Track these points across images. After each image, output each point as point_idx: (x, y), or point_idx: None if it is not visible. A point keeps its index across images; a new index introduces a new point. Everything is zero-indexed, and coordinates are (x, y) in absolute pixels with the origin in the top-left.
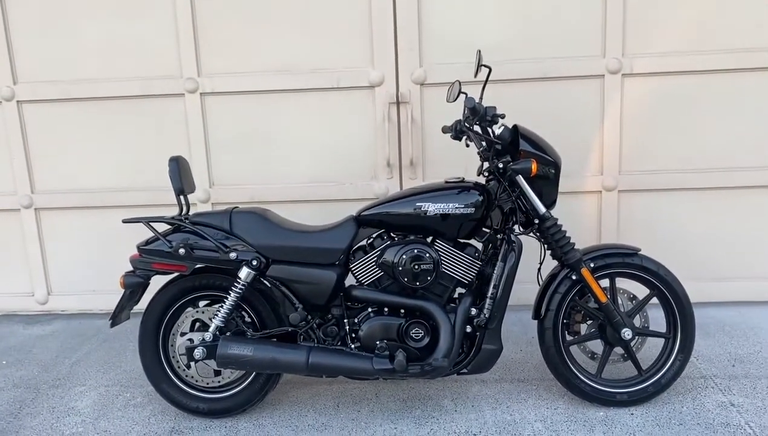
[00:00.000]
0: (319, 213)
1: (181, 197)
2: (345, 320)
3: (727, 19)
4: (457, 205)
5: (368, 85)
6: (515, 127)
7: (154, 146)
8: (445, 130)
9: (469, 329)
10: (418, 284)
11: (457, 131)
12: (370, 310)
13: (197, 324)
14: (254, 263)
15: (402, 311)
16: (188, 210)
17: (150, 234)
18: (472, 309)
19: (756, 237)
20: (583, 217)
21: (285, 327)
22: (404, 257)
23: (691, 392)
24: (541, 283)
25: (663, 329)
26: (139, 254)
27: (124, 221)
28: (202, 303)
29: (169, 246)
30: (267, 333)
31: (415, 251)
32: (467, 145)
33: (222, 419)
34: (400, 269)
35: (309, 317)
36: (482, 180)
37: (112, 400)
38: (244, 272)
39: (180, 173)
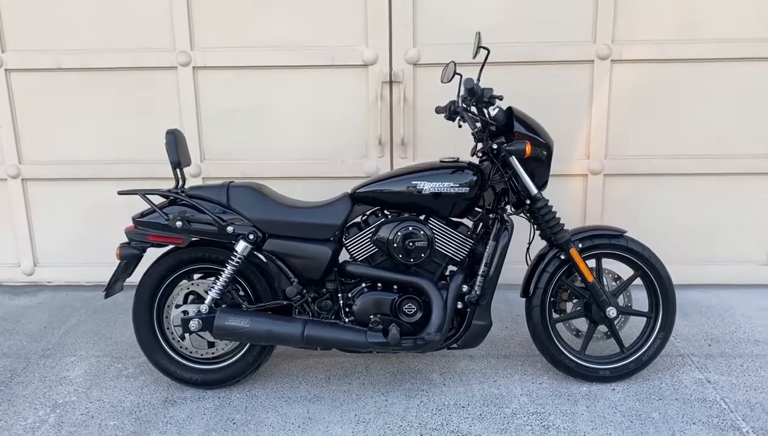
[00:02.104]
0: (310, 190)
1: (177, 170)
2: (339, 295)
3: (716, 8)
4: (452, 185)
5: (362, 64)
6: (510, 109)
7: (145, 119)
8: (438, 110)
9: (460, 305)
10: (412, 260)
11: (451, 112)
12: (363, 285)
13: (191, 296)
14: (251, 237)
15: (395, 286)
16: (184, 183)
17: (145, 206)
18: (464, 286)
19: (735, 223)
20: (569, 199)
21: (280, 301)
22: (399, 233)
23: (669, 369)
24: (529, 262)
25: (645, 308)
26: (134, 226)
27: (120, 193)
28: (196, 276)
29: (165, 218)
30: (262, 306)
31: (410, 228)
32: (459, 126)
33: (215, 389)
34: (395, 245)
35: (304, 290)
36: (476, 160)
37: (104, 370)
38: (240, 246)
39: (177, 146)
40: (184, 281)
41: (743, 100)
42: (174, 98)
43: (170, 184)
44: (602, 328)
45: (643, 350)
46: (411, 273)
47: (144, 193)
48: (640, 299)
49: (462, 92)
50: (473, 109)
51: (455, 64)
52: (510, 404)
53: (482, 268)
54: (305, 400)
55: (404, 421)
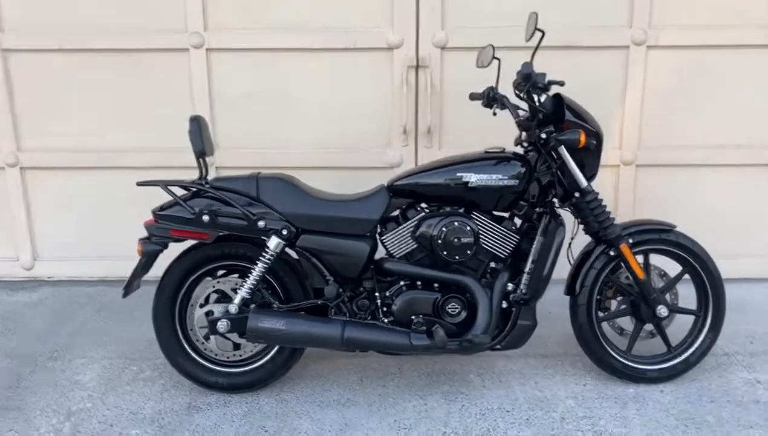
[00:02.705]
0: (329, 181)
1: (201, 160)
2: (376, 294)
3: None
4: (500, 177)
5: (386, 47)
6: (558, 96)
7: (155, 105)
8: (473, 97)
9: (504, 304)
10: (456, 257)
11: (489, 98)
12: (402, 283)
13: (215, 296)
14: (284, 232)
15: (435, 285)
16: (207, 173)
17: (165, 198)
18: (509, 284)
19: (761, 214)
20: (600, 190)
21: (314, 300)
22: (444, 229)
23: (716, 369)
24: (572, 259)
25: (691, 306)
26: (154, 219)
27: (139, 184)
28: (219, 273)
29: (191, 212)
30: (295, 306)
31: (455, 223)
32: (494, 114)
33: (241, 394)
34: (440, 241)
35: (341, 290)
36: (520, 150)
37: (118, 374)
38: (273, 242)
39: (201, 134)
40: (208, 279)
41: None
42: (185, 82)
43: (184, 175)
44: (648, 327)
45: (691, 350)
46: (454, 271)
47: (166, 185)
48: (685, 296)
49: (516, 78)
50: (523, 95)
51: (493, 48)
52: (557, 408)
53: (528, 265)
54: (339, 404)
55: (447, 427)
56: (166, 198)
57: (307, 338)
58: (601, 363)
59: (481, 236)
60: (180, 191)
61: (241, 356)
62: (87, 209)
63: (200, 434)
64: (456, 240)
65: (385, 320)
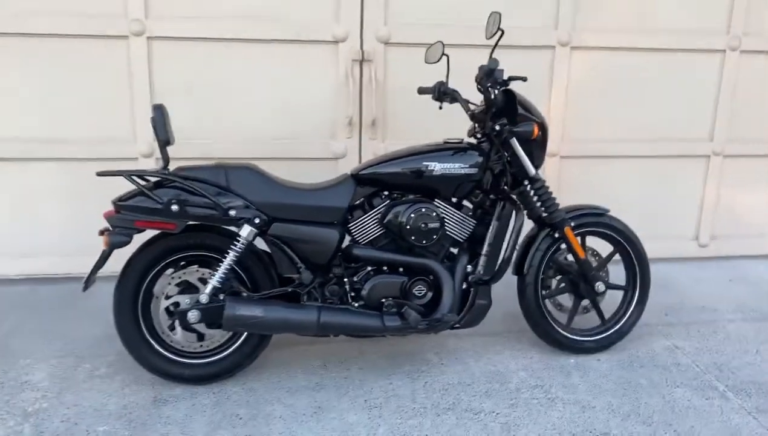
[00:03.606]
0: (275, 171)
1: (164, 150)
2: (345, 279)
3: (665, 3)
4: (461, 166)
5: (332, 41)
6: (510, 91)
7: (92, 93)
8: (422, 91)
9: (464, 285)
10: (424, 242)
11: (440, 93)
12: (369, 269)
13: (177, 287)
14: (257, 221)
15: (400, 269)
16: (168, 164)
17: (98, 191)
18: (468, 266)
19: (671, 202)
20: None
21: (285, 287)
22: (412, 215)
23: (641, 339)
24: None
25: (620, 282)
26: (115, 210)
27: (99, 174)
28: (182, 264)
29: (158, 202)
30: (267, 294)
31: (423, 209)
32: (440, 108)
33: (207, 385)
34: (408, 227)
35: (314, 276)
36: (473, 141)
37: (71, 372)
38: (245, 231)
39: (165, 122)
40: (170, 270)
41: (691, 89)
42: (124, 71)
43: (121, 166)
44: (584, 302)
45: (622, 321)
46: (418, 255)
47: (130, 174)
48: (612, 272)
49: (479, 72)
50: (489, 90)
51: (443, 44)
52: (511, 380)
53: (485, 248)
54: (308, 389)
55: (416, 403)
56: (99, 191)
57: (284, 324)
58: (546, 337)
59: (444, 222)
60: (133, 182)
61: (207, 347)
62: (16, 203)
63: (173, 425)
64: (423, 226)
65: (356, 305)
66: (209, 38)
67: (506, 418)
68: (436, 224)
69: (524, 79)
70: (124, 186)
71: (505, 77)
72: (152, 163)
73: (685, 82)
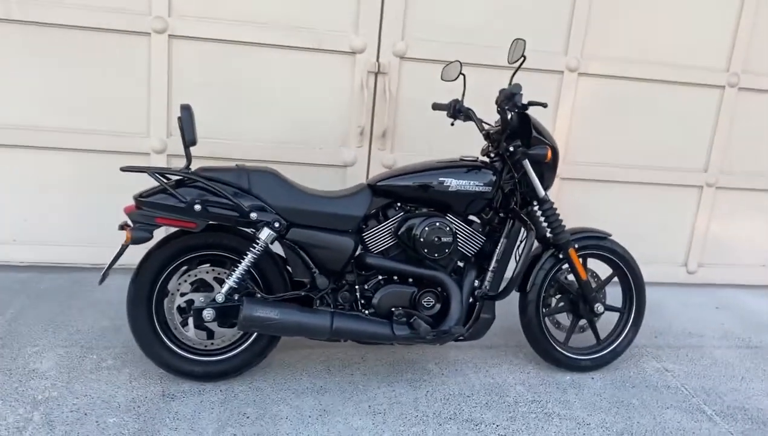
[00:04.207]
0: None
1: (188, 149)
2: (356, 287)
3: (667, 37)
4: (476, 184)
5: (350, 51)
6: (526, 114)
7: (109, 87)
8: (436, 107)
9: (470, 299)
10: (436, 255)
11: (455, 110)
12: (380, 277)
13: (189, 285)
14: (276, 225)
15: (410, 279)
16: (190, 163)
17: (110, 186)
18: (475, 281)
19: (662, 228)
20: None
21: (297, 291)
22: (426, 229)
23: (632, 360)
24: (518, 260)
25: (615, 304)
26: (137, 206)
27: (123, 170)
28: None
29: (182, 201)
30: (281, 297)
31: (437, 224)
32: (452, 124)
33: (215, 382)
34: (422, 240)
35: (329, 282)
36: (485, 160)
37: (78, 362)
38: (265, 234)
39: (192, 123)
40: (184, 268)
41: (681, 120)
42: (144, 67)
43: (133, 160)
44: (581, 321)
45: (617, 342)
46: (429, 267)
47: (154, 172)
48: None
49: (500, 95)
50: (507, 112)
51: (461, 63)
52: (509, 393)
53: (493, 264)
54: (313, 392)
55: (418, 411)
56: (109, 183)
57: (298, 327)
58: (545, 354)
59: (457, 237)
60: (149, 180)
61: (218, 345)
62: (21, 190)
63: (182, 420)
64: (437, 239)
65: (366, 312)
66: (229, 40)
67: (505, 430)
68: (449, 239)
69: (545, 105)
70: (135, 179)
71: (525, 102)
72: (163, 159)
73: (684, 114)
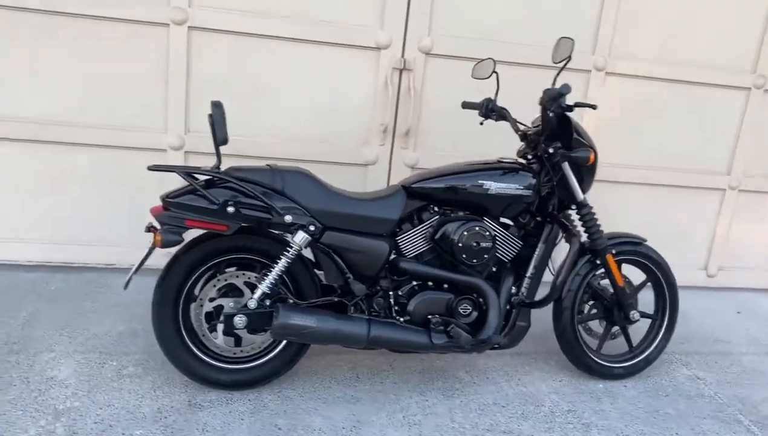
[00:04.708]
0: None
1: (218, 148)
2: (390, 293)
3: (697, 38)
4: (517, 187)
5: (375, 47)
6: (566, 116)
7: (125, 80)
8: (466, 105)
9: (507, 306)
10: (475, 261)
11: (487, 109)
12: (414, 283)
13: (222, 290)
14: (311, 228)
15: (445, 285)
16: (220, 163)
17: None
18: (512, 287)
19: (680, 231)
20: None
21: (329, 297)
22: (465, 233)
23: (662, 367)
24: (552, 267)
25: (647, 310)
26: (164, 207)
27: (151, 169)
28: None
29: (214, 202)
30: (314, 303)
31: (476, 228)
32: (481, 124)
33: (242, 391)
34: (460, 245)
35: (365, 288)
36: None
37: (98, 369)
38: (300, 238)
39: (223, 121)
40: (211, 272)
41: (705, 122)
42: (162, 59)
43: (148, 156)
44: (614, 328)
45: (649, 349)
46: (465, 273)
47: (185, 171)
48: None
49: (544, 96)
50: (548, 112)
51: (494, 61)
52: (544, 402)
53: (531, 270)
54: (344, 401)
55: (454, 422)
56: (123, 180)
57: (334, 335)
58: (577, 362)
59: (495, 241)
60: (168, 178)
61: (248, 352)
62: (29, 187)
63: (210, 433)
64: (476, 244)
65: (400, 319)
66: (251, 33)
67: None
68: (489, 244)
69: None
70: (151, 178)
71: (572, 102)
72: (181, 157)
73: (709, 115)
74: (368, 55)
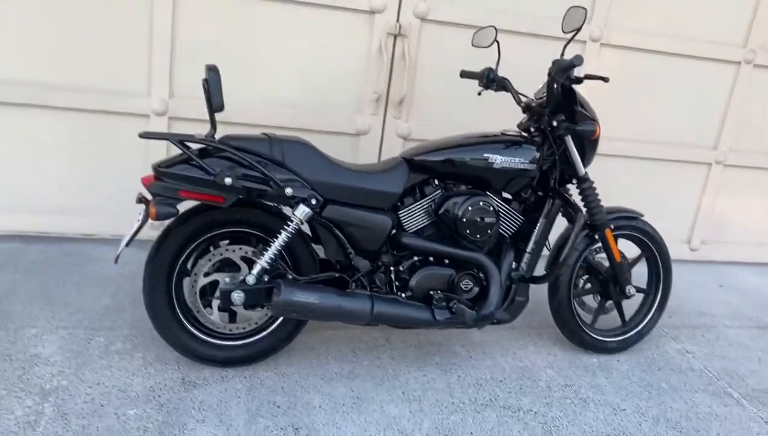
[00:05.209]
0: None
1: (213, 115)
2: (391, 268)
3: (691, 10)
4: (521, 160)
5: (368, 11)
6: (571, 88)
7: (106, 41)
8: (465, 74)
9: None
10: (479, 236)
11: (488, 79)
12: (415, 259)
13: (208, 264)
14: (313, 201)
15: (446, 260)
16: (215, 131)
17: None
18: (512, 263)
19: (666, 204)
20: None
21: (331, 273)
22: (470, 208)
23: (651, 340)
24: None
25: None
26: (157, 177)
27: (143, 136)
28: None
29: (211, 173)
30: (314, 278)
31: (480, 203)
32: (479, 94)
33: (236, 368)
34: (464, 220)
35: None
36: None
37: (84, 346)
38: (301, 211)
39: (219, 86)
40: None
41: (695, 96)
42: (146, 20)
43: (127, 122)
44: (607, 302)
45: (642, 323)
46: (467, 248)
47: (179, 140)
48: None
49: (553, 66)
50: (555, 84)
51: (496, 30)
52: (541, 377)
53: (531, 246)
54: (342, 377)
55: (453, 397)
56: (102, 146)
57: (338, 312)
58: (572, 336)
59: (499, 216)
60: (182, 149)
61: (244, 328)
62: (4, 152)
63: (207, 411)
64: (480, 220)
65: (402, 295)
66: None
67: (544, 418)
68: (493, 219)
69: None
70: (130, 145)
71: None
72: (164, 122)
73: (699, 89)
74: (362, 19)
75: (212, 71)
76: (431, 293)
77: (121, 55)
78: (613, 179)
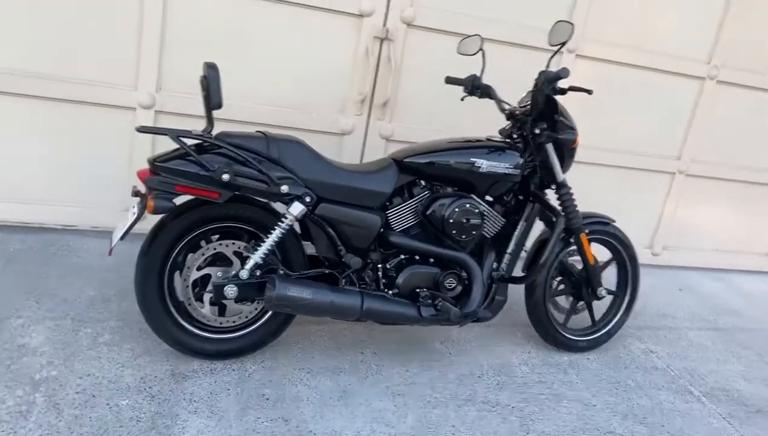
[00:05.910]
0: None
1: (210, 112)
2: (379, 266)
3: (662, 26)
4: (506, 166)
5: (357, 14)
6: (552, 98)
7: (95, 32)
8: (450, 80)
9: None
10: (464, 237)
11: (473, 86)
12: (402, 257)
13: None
14: (307, 199)
15: (431, 259)
16: (212, 127)
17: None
18: (494, 263)
19: (629, 211)
20: None
21: (320, 269)
22: (456, 210)
23: (618, 340)
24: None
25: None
26: (153, 171)
27: (140, 130)
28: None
29: (208, 169)
30: (305, 274)
31: (467, 205)
32: (462, 99)
33: (225, 361)
34: (451, 221)
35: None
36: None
37: (72, 337)
38: (296, 208)
39: (218, 84)
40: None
41: (662, 108)
42: (136, 12)
43: (111, 114)
44: (579, 304)
45: (611, 324)
46: (452, 248)
47: (177, 135)
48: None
49: (540, 77)
50: (539, 94)
51: (482, 38)
52: (517, 374)
53: (511, 247)
54: (328, 371)
55: (435, 392)
56: (86, 137)
57: (329, 308)
58: (546, 335)
59: (483, 218)
60: (180, 144)
61: (234, 322)
62: None
63: (198, 403)
64: (465, 221)
65: (389, 292)
66: None
67: (521, 412)
68: (478, 221)
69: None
70: (114, 137)
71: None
72: (150, 116)
73: (665, 102)
74: (351, 22)
75: (212, 69)
76: (417, 290)
77: (110, 49)
78: (580, 185)
